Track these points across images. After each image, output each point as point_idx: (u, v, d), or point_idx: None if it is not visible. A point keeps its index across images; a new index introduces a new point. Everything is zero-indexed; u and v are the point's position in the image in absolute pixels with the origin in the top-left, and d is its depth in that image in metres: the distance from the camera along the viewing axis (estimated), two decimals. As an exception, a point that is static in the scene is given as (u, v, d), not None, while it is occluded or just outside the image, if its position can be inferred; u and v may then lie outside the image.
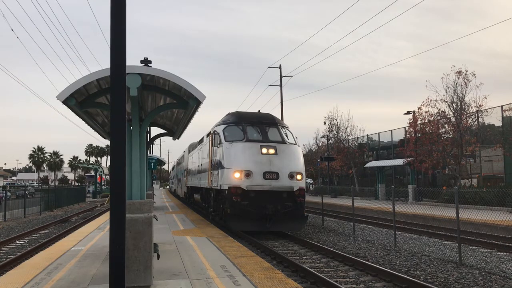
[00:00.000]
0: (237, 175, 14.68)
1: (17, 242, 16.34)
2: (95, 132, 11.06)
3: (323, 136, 47.99)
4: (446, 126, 28.61)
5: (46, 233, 19.21)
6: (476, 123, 28.36)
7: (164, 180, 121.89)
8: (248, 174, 14.65)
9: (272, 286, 6.94)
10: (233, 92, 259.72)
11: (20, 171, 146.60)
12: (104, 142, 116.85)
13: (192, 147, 28.07)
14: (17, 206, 28.44)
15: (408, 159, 31.27)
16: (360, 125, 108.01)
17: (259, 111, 19.44)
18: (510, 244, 12.66)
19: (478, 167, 29.51)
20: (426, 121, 29.45)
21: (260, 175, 14.65)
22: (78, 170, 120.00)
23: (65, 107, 7.20)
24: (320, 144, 52.61)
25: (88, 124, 9.80)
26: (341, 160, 41.67)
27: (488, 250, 12.53)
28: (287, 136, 16.23)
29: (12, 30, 55.19)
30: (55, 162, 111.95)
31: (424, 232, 16.14)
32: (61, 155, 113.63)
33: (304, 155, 16.77)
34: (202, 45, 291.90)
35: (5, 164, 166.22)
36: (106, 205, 38.18)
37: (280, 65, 39.35)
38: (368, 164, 39.64)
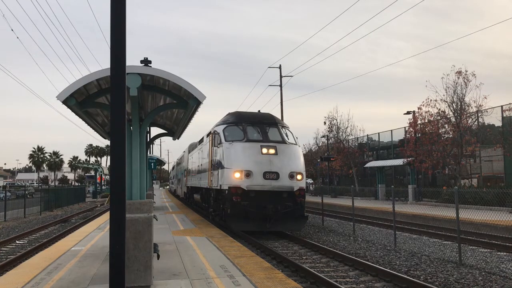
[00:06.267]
0: (237, 175, 14.67)
1: (17, 242, 16.34)
2: (95, 132, 11.06)
3: (323, 136, 48.04)
4: (446, 126, 28.63)
5: (46, 233, 19.21)
6: (476, 123, 28.37)
7: (164, 180, 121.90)
8: (248, 174, 14.65)
9: (272, 286, 6.94)
10: (233, 92, 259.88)
11: (20, 171, 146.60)
12: (104, 142, 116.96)
13: (192, 147, 28.07)
14: (17, 206, 28.43)
15: (408, 159, 31.28)
16: (360, 125, 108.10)
17: (259, 111, 19.44)
18: (510, 244, 12.66)
19: (478, 167, 29.51)
20: (426, 121, 29.46)
21: (260, 175, 14.65)
22: (78, 170, 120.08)
23: (65, 107, 7.20)
24: (320, 144, 52.67)
25: (88, 124, 9.80)
26: (341, 160, 41.68)
27: (488, 250, 12.54)
28: (287, 136, 16.23)
29: (12, 30, 55.23)
30: (55, 162, 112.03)
31: (424, 232, 16.13)
32: (61, 155, 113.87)
33: (304, 155, 16.77)
34: (202, 45, 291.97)
35: (5, 164, 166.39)
36: (106, 205, 38.17)
37: (280, 65, 39.39)
38: (368, 164, 39.64)
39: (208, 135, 19.33)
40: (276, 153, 15.05)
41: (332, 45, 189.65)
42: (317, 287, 8.77)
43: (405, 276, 8.99)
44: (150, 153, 33.21)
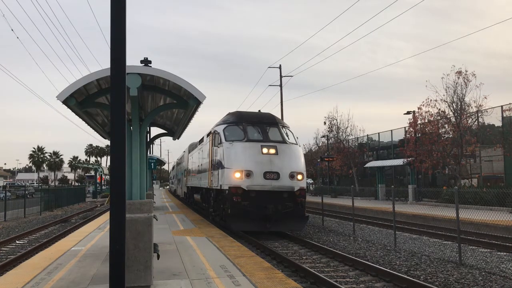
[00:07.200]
0: (237, 175, 14.66)
1: (17, 242, 16.34)
2: (95, 132, 11.06)
3: (323, 136, 48.02)
4: (446, 126, 28.62)
5: (46, 233, 19.21)
6: (476, 123, 28.35)
7: (164, 180, 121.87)
8: (248, 174, 14.63)
9: (272, 286, 6.94)
10: (233, 92, 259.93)
11: (20, 171, 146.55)
12: (104, 142, 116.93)
13: (192, 147, 28.07)
14: (17, 206, 28.44)
15: (408, 159, 31.27)
16: (360, 125, 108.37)
17: (259, 110, 19.42)
18: (510, 244, 12.66)
19: (478, 167, 29.50)
20: (426, 121, 29.46)
21: (260, 175, 14.63)
22: (78, 170, 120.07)
23: (65, 107, 7.19)
24: (320, 144, 52.65)
25: (88, 124, 9.80)
26: (341, 160, 41.66)
27: (488, 250, 12.54)
28: (287, 136, 16.21)
29: (12, 30, 55.25)
30: (55, 162, 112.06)
31: (424, 232, 16.13)
32: (61, 155, 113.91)
33: (304, 155, 16.76)
34: (202, 45, 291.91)
35: (5, 164, 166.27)
36: (106, 205, 38.17)
37: (280, 65, 39.39)
38: (368, 164, 39.63)
39: (208, 135, 19.32)
40: (276, 153, 15.03)
41: (332, 45, 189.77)
42: (317, 287, 8.76)
43: (405, 276, 8.98)
44: (150, 153, 33.21)
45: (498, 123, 27.89)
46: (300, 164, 15.50)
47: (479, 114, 27.89)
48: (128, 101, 7.44)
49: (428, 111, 29.18)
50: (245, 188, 14.58)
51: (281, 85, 38.95)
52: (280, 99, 38.61)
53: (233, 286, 6.94)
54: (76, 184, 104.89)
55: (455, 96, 28.02)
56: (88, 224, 17.90)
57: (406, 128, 32.44)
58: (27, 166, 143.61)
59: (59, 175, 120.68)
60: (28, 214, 28.52)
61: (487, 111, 27.54)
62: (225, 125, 16.34)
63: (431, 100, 28.95)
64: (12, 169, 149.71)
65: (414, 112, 30.96)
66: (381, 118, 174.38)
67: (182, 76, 7.04)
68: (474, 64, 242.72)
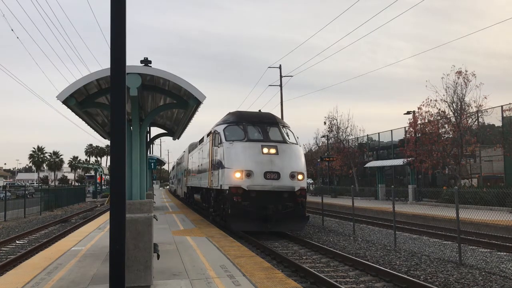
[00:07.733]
0: (237, 175, 14.65)
1: (17, 242, 16.34)
2: (95, 132, 11.06)
3: (323, 136, 48.03)
4: (446, 126, 28.62)
5: (46, 233, 19.21)
6: (476, 123, 28.36)
7: (164, 180, 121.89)
8: (249, 174, 14.62)
9: (272, 286, 6.94)
10: (233, 92, 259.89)
11: (20, 171, 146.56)
12: (104, 142, 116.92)
13: (192, 147, 28.07)
14: (17, 206, 28.43)
15: (408, 159, 31.28)
16: (360, 125, 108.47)
17: (259, 110, 19.41)
18: (510, 244, 12.66)
19: (478, 167, 29.50)
20: (426, 121, 29.46)
21: (261, 175, 14.62)
22: (78, 170, 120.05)
23: (65, 107, 7.20)
24: (320, 144, 52.66)
25: (88, 124, 9.80)
26: (341, 160, 41.66)
27: (488, 250, 12.54)
28: (288, 135, 16.20)
29: (12, 30, 55.27)
30: (55, 162, 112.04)
31: (424, 232, 16.13)
32: (61, 155, 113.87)
33: (304, 155, 16.75)
34: (202, 45, 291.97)
35: (5, 164, 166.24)
36: (106, 205, 38.17)
37: (280, 65, 39.40)
38: (368, 164, 39.63)
39: (208, 135, 19.30)
40: (277, 153, 15.02)
41: (332, 45, 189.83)
42: (317, 287, 8.76)
43: (405, 276, 8.98)
44: (150, 153, 33.21)
45: (498, 123, 27.89)
46: (301, 164, 15.49)
47: (479, 114, 27.90)
48: (128, 101, 7.44)
49: (428, 111, 29.22)
50: (245, 188, 14.57)
51: (281, 85, 38.99)
52: (280, 99, 38.64)
53: (233, 286, 6.94)
54: (76, 184, 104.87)
55: (455, 96, 28.05)
56: (88, 224, 17.90)
57: (406, 128, 32.44)
58: (27, 166, 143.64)
59: (59, 175, 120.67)
60: (28, 214, 28.52)
61: (487, 111, 27.56)
62: (225, 125, 16.33)
63: (431, 100, 29.00)
64: (12, 169, 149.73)
65: (414, 112, 30.97)
66: (381, 118, 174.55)
67: (182, 76, 7.04)
68: (474, 64, 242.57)
